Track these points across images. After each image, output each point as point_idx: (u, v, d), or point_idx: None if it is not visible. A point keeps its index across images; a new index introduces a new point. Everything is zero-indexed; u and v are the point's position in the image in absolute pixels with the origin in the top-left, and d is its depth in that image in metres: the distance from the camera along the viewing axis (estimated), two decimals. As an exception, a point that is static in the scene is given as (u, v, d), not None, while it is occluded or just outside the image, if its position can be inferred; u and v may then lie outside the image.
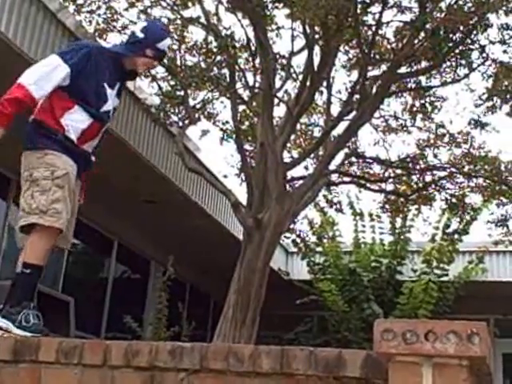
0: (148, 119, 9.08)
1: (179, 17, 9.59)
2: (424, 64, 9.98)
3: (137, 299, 12.14)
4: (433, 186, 11.44)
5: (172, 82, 9.65)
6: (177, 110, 9.74)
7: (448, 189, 11.40)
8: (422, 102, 11.07)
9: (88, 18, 9.01)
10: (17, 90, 3.38)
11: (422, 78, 10.55)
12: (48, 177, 3.37)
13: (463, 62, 9.93)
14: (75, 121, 3.53)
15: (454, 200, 11.30)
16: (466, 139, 11.34)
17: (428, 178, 11.50)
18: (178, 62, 9.45)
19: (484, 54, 9.76)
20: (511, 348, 14.12)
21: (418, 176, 11.51)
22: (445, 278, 11.61)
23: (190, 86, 9.45)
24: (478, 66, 9.91)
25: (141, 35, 3.67)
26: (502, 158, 11.04)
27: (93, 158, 3.77)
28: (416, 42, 9.50)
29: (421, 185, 11.50)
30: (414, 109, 11.25)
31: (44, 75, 3.43)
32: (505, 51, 9.56)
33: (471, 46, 9.77)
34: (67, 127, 3.50)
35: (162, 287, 9.44)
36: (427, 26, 9.33)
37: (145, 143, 8.98)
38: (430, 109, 11.10)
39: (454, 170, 11.27)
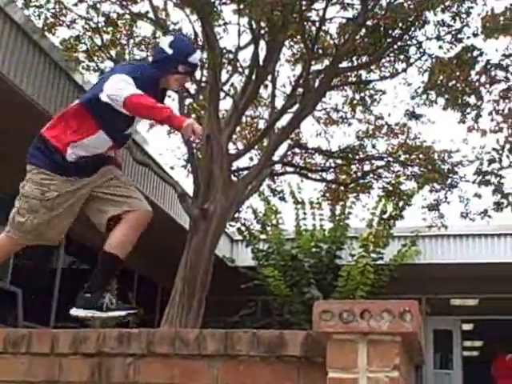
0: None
1: (128, 12, 9.56)
2: (364, 59, 10.31)
3: (86, 289, 12.09)
4: (371, 174, 11.82)
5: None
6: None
7: (385, 177, 11.82)
8: (362, 95, 11.41)
9: (36, 13, 8.91)
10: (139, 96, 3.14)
11: (363, 73, 10.92)
12: (37, 197, 3.27)
13: (401, 57, 10.33)
14: (91, 146, 3.32)
15: (390, 187, 11.72)
16: (402, 130, 11.79)
17: (367, 168, 11.91)
18: (127, 57, 9.44)
19: (421, 50, 10.17)
20: (441, 325, 14.87)
21: (357, 165, 11.88)
22: (380, 262, 12.11)
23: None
24: (415, 60, 10.33)
25: (170, 51, 3.39)
26: (436, 147, 11.59)
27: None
28: (357, 37, 9.81)
29: (360, 174, 11.90)
30: (355, 101, 11.58)
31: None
32: (440, 47, 9.99)
33: (409, 42, 10.16)
34: (69, 154, 3.29)
35: (111, 276, 9.52)
36: (368, 22, 9.65)
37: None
38: (369, 101, 11.45)
39: (390, 159, 11.70)
